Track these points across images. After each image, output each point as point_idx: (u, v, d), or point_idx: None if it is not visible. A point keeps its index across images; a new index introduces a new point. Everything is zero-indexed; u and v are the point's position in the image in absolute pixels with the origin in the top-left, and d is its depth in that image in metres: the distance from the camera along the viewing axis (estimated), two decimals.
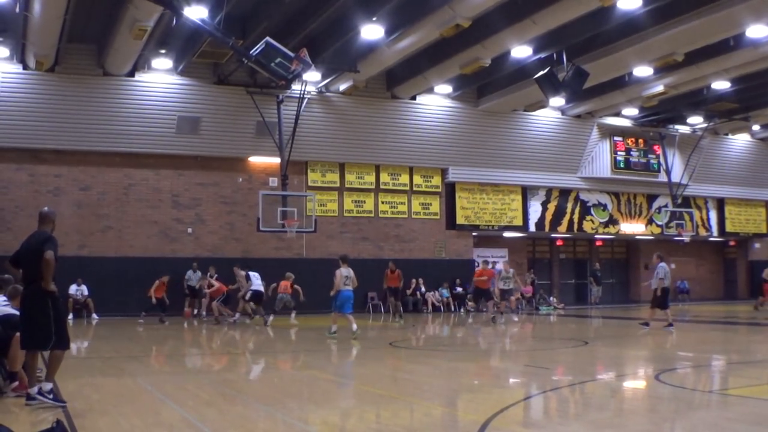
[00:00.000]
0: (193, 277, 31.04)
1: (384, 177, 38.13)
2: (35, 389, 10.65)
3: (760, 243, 50.11)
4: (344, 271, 22.94)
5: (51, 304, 10.70)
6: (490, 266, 31.93)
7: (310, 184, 36.27)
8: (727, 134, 46.09)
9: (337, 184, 37.18)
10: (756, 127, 44.66)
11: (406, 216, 38.70)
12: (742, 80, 34.07)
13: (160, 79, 32.35)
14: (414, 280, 37.54)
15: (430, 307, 37.49)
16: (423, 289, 37.74)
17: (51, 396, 10.58)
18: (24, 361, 11.13)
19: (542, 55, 29.43)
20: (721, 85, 34.55)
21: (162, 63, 31.54)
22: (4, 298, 12.07)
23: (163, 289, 29.93)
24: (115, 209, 33.33)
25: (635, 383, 14.03)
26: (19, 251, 11.09)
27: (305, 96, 33.18)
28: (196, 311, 31.47)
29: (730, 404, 11.04)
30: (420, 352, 19.73)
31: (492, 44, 28.42)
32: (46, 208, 11.50)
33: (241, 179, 35.40)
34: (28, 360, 10.97)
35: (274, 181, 34.92)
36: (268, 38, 19.03)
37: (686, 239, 43.43)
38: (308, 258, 35.55)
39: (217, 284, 30.06)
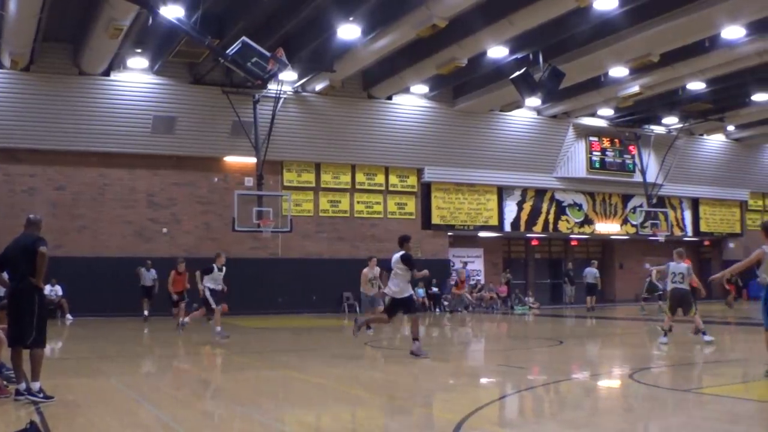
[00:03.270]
0: (146, 275, 30.29)
1: (360, 177, 38.16)
2: (23, 385, 10.87)
3: (734, 243, 50.43)
4: None
5: (38, 301, 10.92)
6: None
7: (285, 183, 36.26)
8: (702, 135, 46.37)
9: (313, 184, 37.20)
10: (730, 128, 44.95)
11: (381, 216, 38.74)
12: (717, 81, 34.31)
13: (136, 79, 32.28)
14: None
15: None
16: None
17: (41, 395, 10.74)
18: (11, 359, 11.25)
19: (518, 55, 29.53)
20: (696, 85, 34.80)
21: (138, 62, 31.46)
22: None
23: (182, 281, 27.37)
24: (90, 209, 33.23)
25: (610, 382, 14.10)
26: (5, 254, 11.26)
27: (281, 96, 33.21)
28: (146, 313, 30.05)
29: (705, 403, 11.08)
30: (396, 352, 19.73)
31: (468, 44, 28.48)
32: (35, 215, 11.80)
33: (216, 179, 35.36)
34: (14, 357, 11.13)
35: (249, 181, 34.86)
36: (244, 38, 19.01)
37: (661, 239, 43.63)
38: (284, 258, 35.52)
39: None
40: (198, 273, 22.16)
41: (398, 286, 17.15)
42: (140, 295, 30.29)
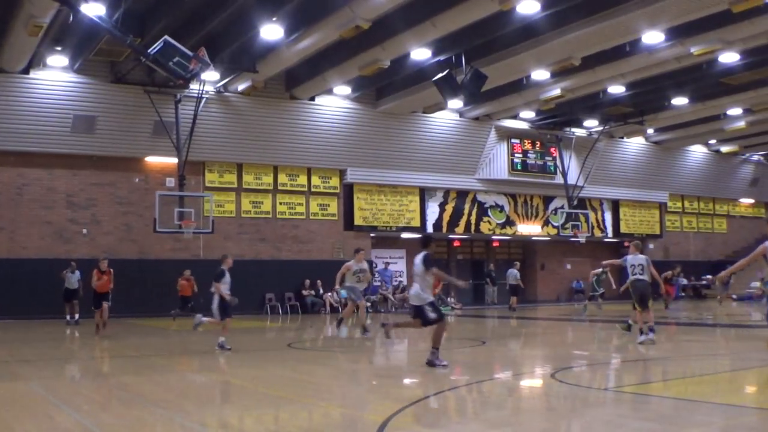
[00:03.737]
0: (71, 278, 29.02)
1: (282, 178, 38.02)
2: None
3: (654, 244, 51.16)
4: None
5: None
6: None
7: (207, 184, 36.00)
8: (622, 137, 46.99)
9: (235, 185, 36.99)
10: (650, 131, 45.62)
11: (303, 217, 38.65)
12: (637, 85, 34.85)
13: (56, 77, 31.78)
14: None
15: (328, 308, 37.45)
16: (321, 290, 37.70)
17: None
18: None
19: (441, 57, 29.62)
20: (616, 89, 35.30)
21: (58, 60, 30.97)
22: None
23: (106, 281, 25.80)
24: (8, 209, 32.65)
25: (532, 382, 14.20)
26: None
27: (203, 96, 32.96)
28: (73, 317, 28.83)
29: (625, 401, 11.22)
30: (319, 353, 19.69)
31: (391, 46, 28.50)
32: None
33: (137, 179, 34.98)
34: None
35: (171, 182, 34.56)
36: (166, 37, 18.85)
37: (582, 240, 44.12)
38: (205, 259, 35.19)
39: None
40: (214, 283, 20.20)
41: (415, 290, 15.34)
42: (63, 298, 29.11)
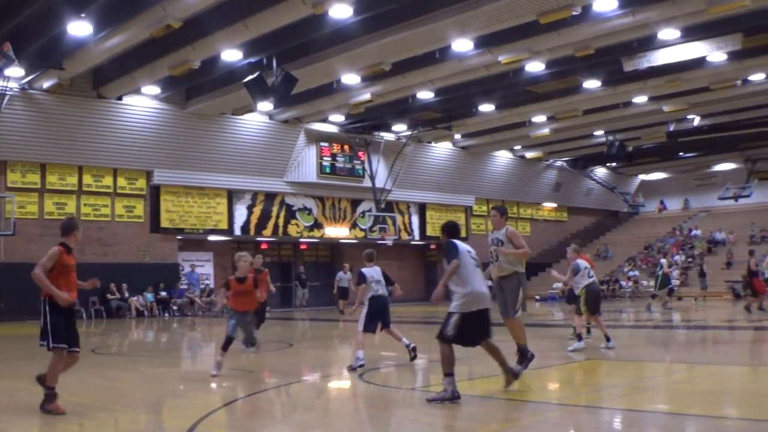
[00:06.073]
0: None
1: (87, 179, 37.16)
2: None
3: None
4: None
5: None
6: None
7: (9, 185, 34.85)
8: (430, 142, 47.84)
9: (38, 186, 35.90)
10: (457, 136, 46.75)
11: (109, 219, 37.87)
12: (445, 91, 35.61)
13: None
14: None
15: (134, 312, 36.86)
16: (127, 294, 37.05)
17: None
18: None
19: (252, 59, 29.53)
20: (425, 95, 35.93)
21: None
22: None
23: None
24: None
25: (341, 384, 14.28)
26: None
27: (7, 92, 31.94)
28: None
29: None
30: (124, 358, 19.37)
31: (202, 46, 28.27)
32: None
33: None
34: None
35: None
36: None
37: (389, 243, 44.71)
38: (7, 262, 34.17)
39: None
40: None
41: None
42: None
